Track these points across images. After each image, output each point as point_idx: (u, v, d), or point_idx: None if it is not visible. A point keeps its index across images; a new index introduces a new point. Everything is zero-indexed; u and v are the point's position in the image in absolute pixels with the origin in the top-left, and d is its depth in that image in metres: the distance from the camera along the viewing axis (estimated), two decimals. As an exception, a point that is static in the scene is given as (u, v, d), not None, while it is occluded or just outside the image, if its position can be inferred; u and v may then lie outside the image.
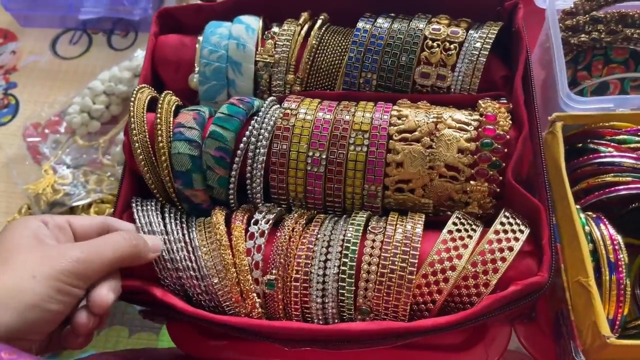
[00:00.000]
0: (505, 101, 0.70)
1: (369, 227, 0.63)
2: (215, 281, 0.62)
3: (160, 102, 0.69)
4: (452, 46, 0.72)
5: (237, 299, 0.61)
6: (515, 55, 0.74)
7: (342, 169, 0.66)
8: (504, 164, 0.65)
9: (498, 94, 0.72)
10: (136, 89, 0.71)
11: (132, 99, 0.69)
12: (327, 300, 0.61)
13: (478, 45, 0.71)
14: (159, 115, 0.67)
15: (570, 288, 0.64)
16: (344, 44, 0.76)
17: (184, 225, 0.66)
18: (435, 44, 0.72)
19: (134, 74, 0.99)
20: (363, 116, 0.67)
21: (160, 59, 0.79)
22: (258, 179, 0.67)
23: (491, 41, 0.72)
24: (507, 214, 0.64)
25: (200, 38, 0.77)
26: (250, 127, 0.68)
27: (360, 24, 0.75)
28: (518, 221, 0.63)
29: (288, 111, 0.68)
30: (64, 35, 1.12)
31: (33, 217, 0.58)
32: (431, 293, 0.60)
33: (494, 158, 0.65)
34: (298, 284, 0.61)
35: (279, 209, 0.67)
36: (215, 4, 0.83)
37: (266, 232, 0.64)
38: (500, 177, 0.65)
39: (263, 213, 0.66)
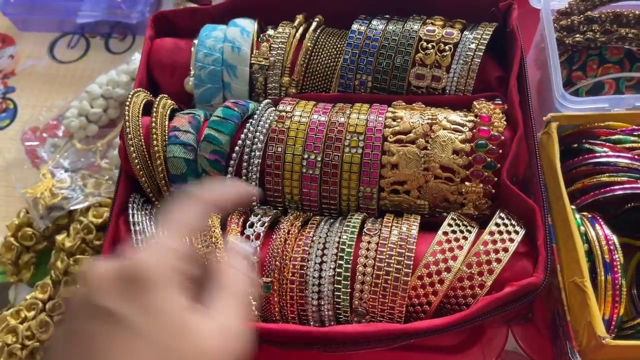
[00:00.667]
0: (500, 102, 0.70)
1: (365, 229, 0.63)
2: (211, 284, 0.62)
3: (156, 106, 0.69)
4: (446, 47, 0.72)
5: (233, 302, 0.61)
6: (510, 55, 0.73)
7: (337, 171, 0.66)
8: (499, 165, 0.65)
9: (493, 94, 0.72)
10: (131, 93, 0.71)
11: (127, 103, 0.69)
12: (323, 303, 0.61)
13: (473, 46, 0.71)
14: (154, 119, 0.68)
15: (566, 288, 0.64)
16: (339, 46, 0.76)
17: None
18: (430, 46, 0.72)
19: (131, 77, 0.99)
20: (358, 118, 0.67)
21: (156, 62, 0.79)
22: (253, 182, 0.67)
23: (486, 42, 0.72)
24: (502, 214, 0.64)
25: (196, 41, 0.77)
26: (245, 130, 0.68)
27: (355, 26, 0.75)
28: (513, 222, 0.63)
29: (283, 114, 0.68)
30: (61, 39, 1.12)
31: None
32: (427, 294, 0.60)
33: (489, 159, 0.65)
34: (294, 286, 0.61)
35: (274, 211, 0.67)
36: (210, 7, 0.83)
37: (262, 234, 0.64)
38: (495, 178, 0.65)
39: (259, 216, 0.66)
